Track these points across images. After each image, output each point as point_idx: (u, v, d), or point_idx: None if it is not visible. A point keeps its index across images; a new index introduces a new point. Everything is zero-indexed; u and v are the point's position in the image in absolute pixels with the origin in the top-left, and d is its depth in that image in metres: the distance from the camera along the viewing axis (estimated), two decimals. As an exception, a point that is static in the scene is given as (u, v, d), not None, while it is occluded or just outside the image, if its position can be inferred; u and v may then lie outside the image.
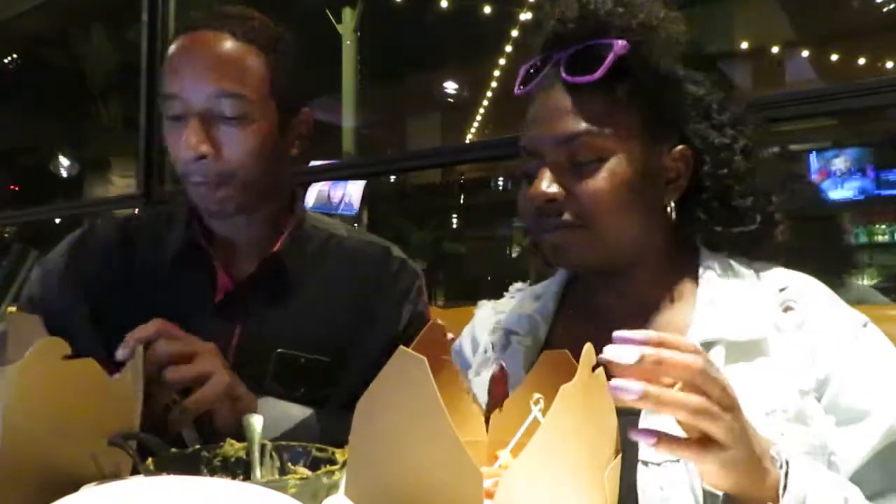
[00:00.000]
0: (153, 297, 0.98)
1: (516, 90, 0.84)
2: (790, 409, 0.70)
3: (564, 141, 0.77)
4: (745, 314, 0.76)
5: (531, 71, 0.84)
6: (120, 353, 0.78)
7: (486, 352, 0.91)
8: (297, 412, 0.92)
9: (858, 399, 0.72)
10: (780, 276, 0.81)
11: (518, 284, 1.01)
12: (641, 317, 0.83)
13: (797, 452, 0.65)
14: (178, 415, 0.81)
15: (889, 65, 5.13)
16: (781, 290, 0.79)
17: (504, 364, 0.75)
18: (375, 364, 1.07)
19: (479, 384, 0.80)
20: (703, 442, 0.55)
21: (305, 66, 1.03)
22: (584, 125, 0.77)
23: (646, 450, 0.69)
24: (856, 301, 0.85)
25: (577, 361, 0.52)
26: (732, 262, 0.83)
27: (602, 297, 0.86)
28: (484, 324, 0.96)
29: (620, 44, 0.76)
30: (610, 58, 0.75)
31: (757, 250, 0.84)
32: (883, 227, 4.83)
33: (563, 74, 0.78)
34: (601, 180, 0.76)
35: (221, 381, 0.84)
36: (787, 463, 0.59)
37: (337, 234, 1.10)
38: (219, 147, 0.93)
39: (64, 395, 0.66)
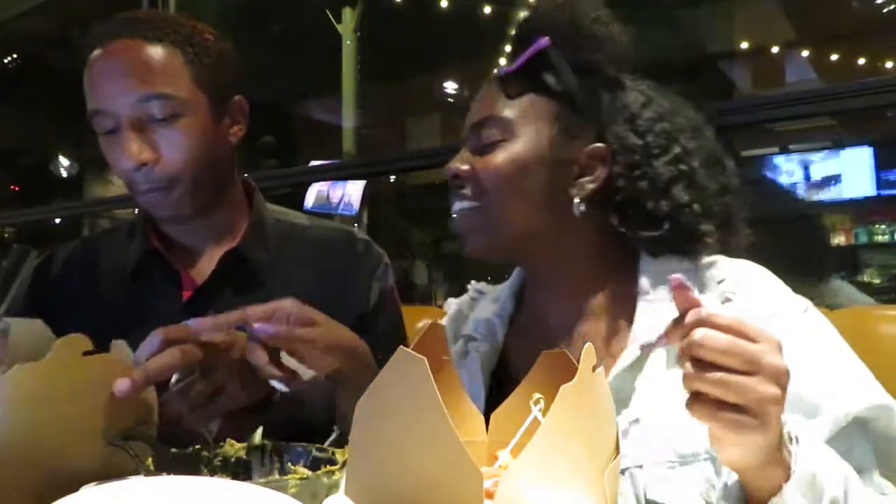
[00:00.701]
0: (119, 309, 0.99)
1: None
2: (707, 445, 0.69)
3: (475, 124, 0.84)
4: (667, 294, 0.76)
5: None
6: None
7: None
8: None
9: (806, 390, 0.71)
10: (718, 268, 0.80)
11: (479, 285, 1.01)
12: (580, 319, 0.83)
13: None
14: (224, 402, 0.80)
15: (889, 65, 5.13)
16: (719, 282, 0.78)
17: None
18: None
19: None
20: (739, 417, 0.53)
21: (228, 55, 1.02)
22: (490, 110, 0.83)
23: None
24: (839, 303, 0.85)
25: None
26: (673, 262, 0.81)
27: (542, 300, 0.87)
28: (448, 331, 0.96)
29: (543, 41, 0.81)
30: (529, 52, 0.82)
31: (698, 253, 0.82)
32: (883, 226, 4.83)
33: (502, 68, 0.85)
34: (499, 158, 0.80)
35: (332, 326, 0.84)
36: (797, 440, 0.58)
37: (299, 223, 1.11)
38: (157, 151, 0.92)
39: (85, 389, 0.66)
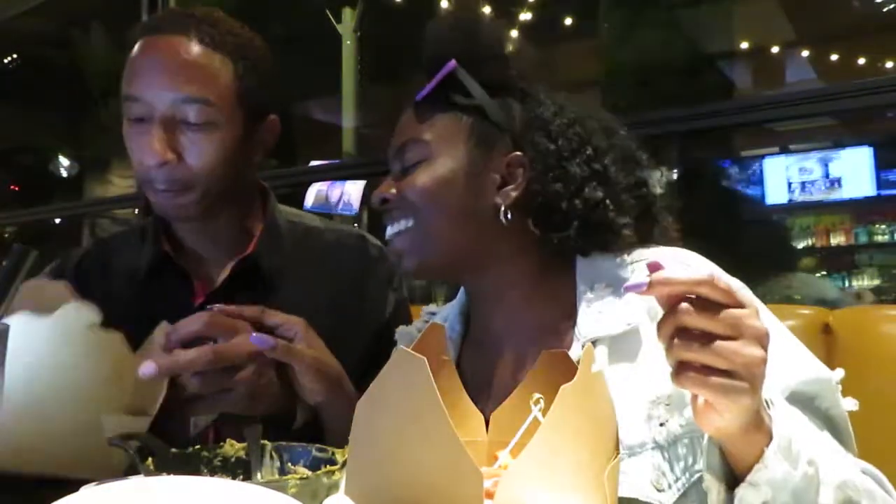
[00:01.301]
0: (132, 314, 0.98)
1: None
2: (673, 396, 0.72)
3: (396, 150, 0.87)
4: (618, 307, 0.78)
5: None
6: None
7: None
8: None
9: None
10: (649, 256, 0.81)
11: (430, 307, 1.02)
12: (525, 328, 0.85)
13: (680, 437, 0.69)
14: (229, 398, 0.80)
15: (889, 65, 5.13)
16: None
17: None
18: (366, 352, 1.04)
19: None
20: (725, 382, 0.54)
21: (275, 73, 1.02)
22: (409, 134, 0.86)
23: None
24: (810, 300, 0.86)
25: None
26: (604, 259, 0.84)
27: (486, 313, 0.89)
28: None
29: (450, 63, 0.84)
30: (438, 75, 0.85)
31: (620, 247, 0.84)
32: (883, 226, 4.83)
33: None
34: (421, 178, 0.83)
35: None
36: (773, 403, 0.59)
37: (314, 226, 1.10)
38: (182, 153, 0.91)
39: (88, 361, 0.67)
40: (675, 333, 0.55)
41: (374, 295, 1.06)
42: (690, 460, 0.70)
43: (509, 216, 0.82)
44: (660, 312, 0.69)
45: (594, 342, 0.76)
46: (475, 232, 0.83)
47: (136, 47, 0.94)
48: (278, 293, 1.01)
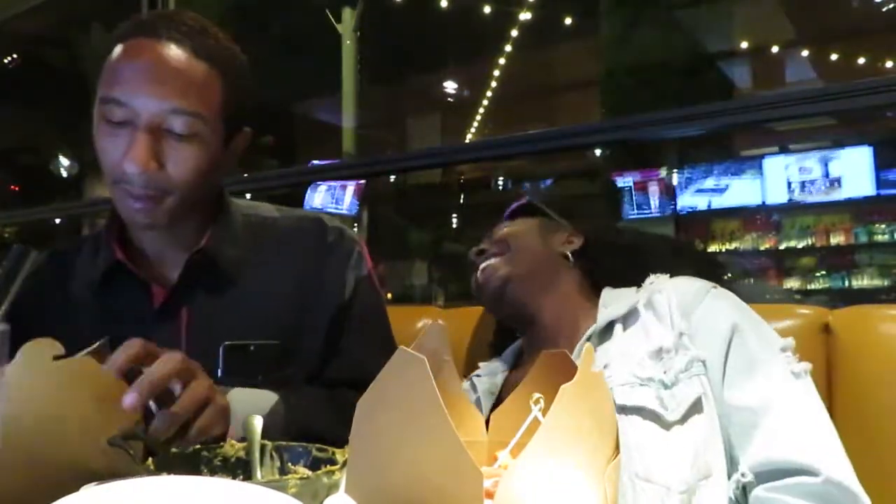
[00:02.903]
0: (91, 320, 0.97)
1: None
2: (673, 348, 0.88)
3: (495, 241, 1.14)
4: (622, 300, 0.99)
5: None
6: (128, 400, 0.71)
7: None
8: (263, 401, 0.89)
9: (714, 324, 0.90)
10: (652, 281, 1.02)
11: (477, 371, 1.16)
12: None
13: (679, 376, 0.86)
14: (167, 422, 0.74)
15: (889, 64, 5.13)
16: (650, 283, 1.00)
17: None
18: (327, 334, 1.05)
19: None
20: None
21: (253, 87, 1.01)
22: (501, 234, 1.15)
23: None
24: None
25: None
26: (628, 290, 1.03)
27: (539, 342, 1.06)
28: None
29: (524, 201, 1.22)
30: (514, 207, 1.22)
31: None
32: (883, 226, 4.83)
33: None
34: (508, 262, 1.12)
35: (219, 407, 0.80)
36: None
37: (269, 216, 1.09)
38: (163, 162, 0.90)
39: (61, 393, 0.66)
40: None
41: (333, 275, 1.05)
42: (688, 392, 0.85)
43: (571, 261, 1.11)
44: (649, 299, 0.96)
45: (611, 323, 0.96)
46: (552, 274, 1.10)
47: (123, 48, 0.92)
48: (236, 284, 1.00)
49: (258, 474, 0.68)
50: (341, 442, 0.65)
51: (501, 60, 6.42)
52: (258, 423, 0.71)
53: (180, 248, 1.01)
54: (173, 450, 0.68)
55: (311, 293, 1.03)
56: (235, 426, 0.82)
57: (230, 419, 0.82)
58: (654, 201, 5.08)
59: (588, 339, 0.96)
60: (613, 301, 1.01)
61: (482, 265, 1.09)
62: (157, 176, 0.90)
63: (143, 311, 0.98)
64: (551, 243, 1.12)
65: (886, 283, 4.72)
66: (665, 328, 0.91)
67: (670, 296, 0.94)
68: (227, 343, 0.96)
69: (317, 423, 0.90)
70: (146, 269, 1.01)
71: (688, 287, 0.95)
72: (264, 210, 1.11)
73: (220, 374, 0.95)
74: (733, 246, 5.06)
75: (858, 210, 4.87)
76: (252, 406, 0.87)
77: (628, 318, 0.97)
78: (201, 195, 0.98)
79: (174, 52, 0.90)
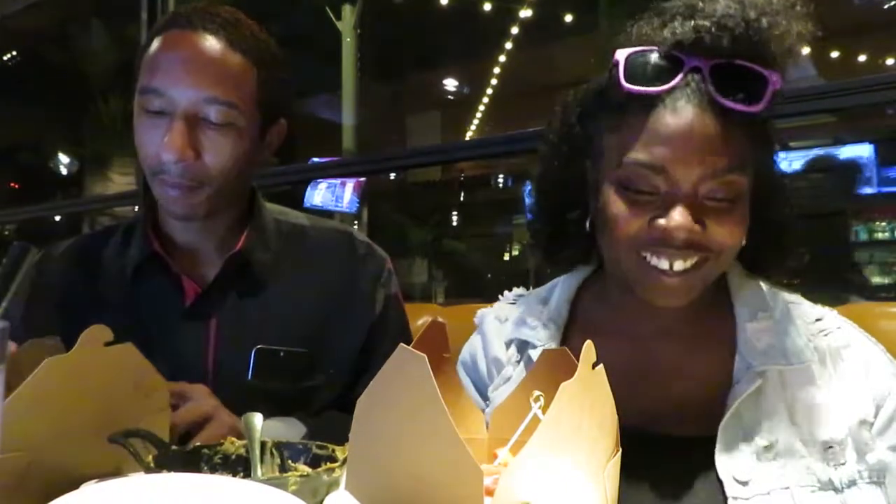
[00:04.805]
0: (120, 312, 0.97)
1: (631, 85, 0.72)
2: (849, 440, 0.71)
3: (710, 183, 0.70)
4: (787, 340, 0.75)
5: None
6: None
7: (504, 368, 0.88)
8: (289, 433, 0.90)
9: None
10: (806, 305, 0.81)
11: (518, 290, 0.97)
12: (678, 336, 0.80)
13: (856, 480, 0.68)
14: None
15: (890, 62, 5.13)
16: (817, 319, 0.79)
17: None
18: (355, 351, 1.05)
19: (498, 399, 0.80)
20: None
21: (289, 79, 1.03)
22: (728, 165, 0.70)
23: (734, 486, 0.70)
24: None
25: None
26: (752, 287, 0.81)
27: (636, 313, 0.82)
28: (496, 338, 0.91)
29: (774, 78, 0.70)
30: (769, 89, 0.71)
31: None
32: (883, 223, 4.83)
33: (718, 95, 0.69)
34: (734, 225, 0.72)
35: (223, 423, 0.84)
36: None
37: (299, 223, 1.10)
38: (200, 151, 0.91)
39: (109, 378, 0.67)
40: None
41: (364, 292, 1.06)
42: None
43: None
44: (827, 357, 0.74)
45: (764, 372, 0.74)
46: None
47: (161, 40, 0.94)
48: (266, 288, 1.01)
49: (258, 472, 0.68)
50: None
51: (501, 58, 6.42)
52: (258, 421, 0.71)
53: (213, 244, 1.02)
54: (174, 447, 0.68)
55: (340, 306, 1.03)
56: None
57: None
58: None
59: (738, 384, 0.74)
60: (758, 315, 0.78)
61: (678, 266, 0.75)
62: (194, 165, 0.91)
63: (173, 306, 0.99)
64: None
65: (887, 280, 4.73)
66: (843, 406, 0.72)
67: (852, 355, 0.75)
68: (259, 347, 0.97)
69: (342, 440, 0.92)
70: (179, 264, 1.01)
71: (872, 347, 0.77)
72: (293, 216, 1.11)
73: (249, 376, 0.96)
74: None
75: (859, 207, 4.87)
76: (276, 433, 0.87)
77: (791, 371, 0.74)
78: (237, 188, 0.99)
79: (209, 42, 0.92)
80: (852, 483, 0.69)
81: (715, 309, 0.81)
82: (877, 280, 4.75)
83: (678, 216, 0.69)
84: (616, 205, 0.72)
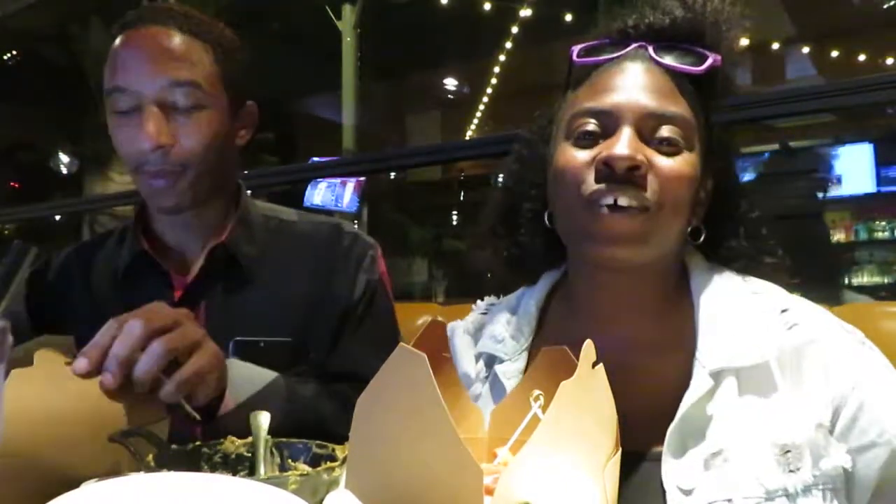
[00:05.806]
0: (111, 312, 0.98)
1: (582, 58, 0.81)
2: (806, 445, 0.68)
3: (656, 128, 0.73)
4: (747, 337, 0.73)
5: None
6: (78, 365, 0.72)
7: (473, 385, 0.86)
8: (264, 374, 0.91)
9: (871, 426, 0.69)
10: (773, 295, 0.78)
11: (490, 299, 0.96)
12: (641, 341, 0.78)
13: (811, 486, 0.66)
14: (172, 390, 0.76)
15: (890, 61, 5.13)
16: (783, 311, 0.75)
17: None
18: (333, 334, 1.06)
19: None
20: None
21: (247, 62, 1.06)
22: (673, 112, 0.74)
23: (676, 496, 0.68)
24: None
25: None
26: (721, 276, 0.79)
27: (605, 318, 0.81)
28: (466, 352, 0.89)
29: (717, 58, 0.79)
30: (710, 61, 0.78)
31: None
32: (883, 223, 4.83)
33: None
34: (680, 168, 0.73)
35: (210, 351, 0.81)
36: None
37: (287, 219, 1.12)
38: (175, 137, 0.94)
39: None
40: None
41: (343, 275, 1.07)
42: None
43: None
44: (788, 355, 0.71)
45: (719, 372, 0.71)
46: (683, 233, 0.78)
47: (118, 42, 0.98)
48: (253, 281, 1.03)
49: (262, 471, 0.68)
50: (336, 426, 0.65)
51: (502, 57, 6.41)
52: (264, 419, 0.71)
53: (201, 238, 1.04)
54: (174, 446, 0.68)
55: (322, 293, 1.05)
56: (232, 393, 0.84)
57: (226, 372, 0.84)
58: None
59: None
60: (719, 313, 0.75)
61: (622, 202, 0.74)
62: (172, 151, 0.94)
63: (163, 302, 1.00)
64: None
65: (886, 280, 4.73)
66: (801, 409, 0.70)
67: (814, 352, 0.71)
68: (237, 339, 0.98)
69: (316, 405, 0.93)
70: (168, 262, 1.04)
71: (839, 342, 0.73)
72: (284, 213, 1.13)
73: None
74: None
75: (858, 207, 4.87)
76: (250, 373, 0.89)
77: (749, 370, 0.72)
78: (219, 174, 1.01)
79: (162, 31, 0.96)
80: (807, 490, 0.66)
81: (679, 311, 0.79)
82: (877, 280, 4.75)
83: (621, 143, 0.71)
84: (565, 154, 0.75)
